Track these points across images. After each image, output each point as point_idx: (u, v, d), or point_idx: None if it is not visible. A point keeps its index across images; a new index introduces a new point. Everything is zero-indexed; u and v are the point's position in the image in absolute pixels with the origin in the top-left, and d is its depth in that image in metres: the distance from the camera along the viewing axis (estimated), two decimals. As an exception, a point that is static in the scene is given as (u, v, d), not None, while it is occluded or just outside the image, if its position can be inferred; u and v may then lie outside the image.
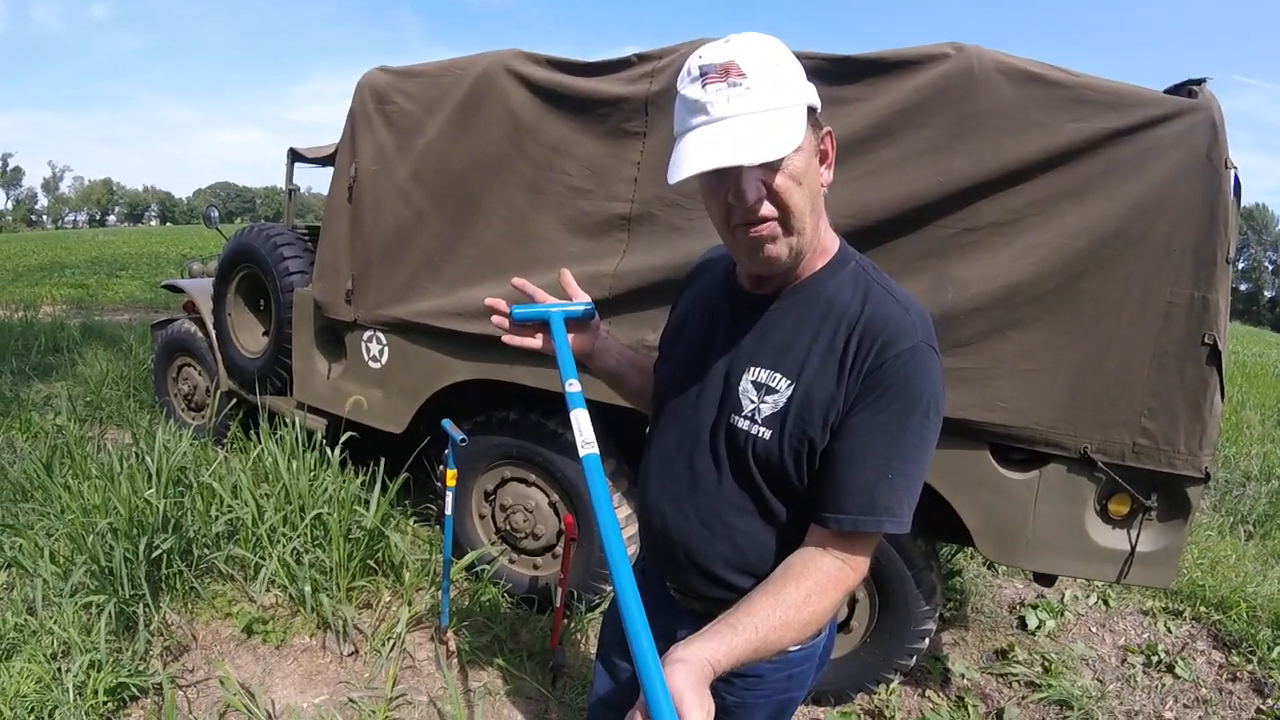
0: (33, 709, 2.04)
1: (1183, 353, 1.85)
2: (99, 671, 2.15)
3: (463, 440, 2.22)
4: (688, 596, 1.19)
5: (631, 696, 1.30)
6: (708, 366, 1.14)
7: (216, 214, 4.70)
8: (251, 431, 3.21)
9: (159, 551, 2.51)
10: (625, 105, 2.26)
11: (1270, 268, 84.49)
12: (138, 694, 2.22)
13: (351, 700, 2.31)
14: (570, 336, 1.27)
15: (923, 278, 1.96)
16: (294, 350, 3.25)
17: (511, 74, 2.43)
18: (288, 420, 3.10)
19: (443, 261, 2.64)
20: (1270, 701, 2.98)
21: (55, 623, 2.30)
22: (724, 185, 0.96)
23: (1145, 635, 3.44)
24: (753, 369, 1.07)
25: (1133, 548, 2.00)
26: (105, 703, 2.11)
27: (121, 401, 4.96)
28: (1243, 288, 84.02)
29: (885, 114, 1.96)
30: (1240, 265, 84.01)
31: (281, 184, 4.19)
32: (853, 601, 2.35)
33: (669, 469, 1.18)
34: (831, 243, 1.09)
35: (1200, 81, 1.93)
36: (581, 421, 1.06)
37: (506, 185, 2.47)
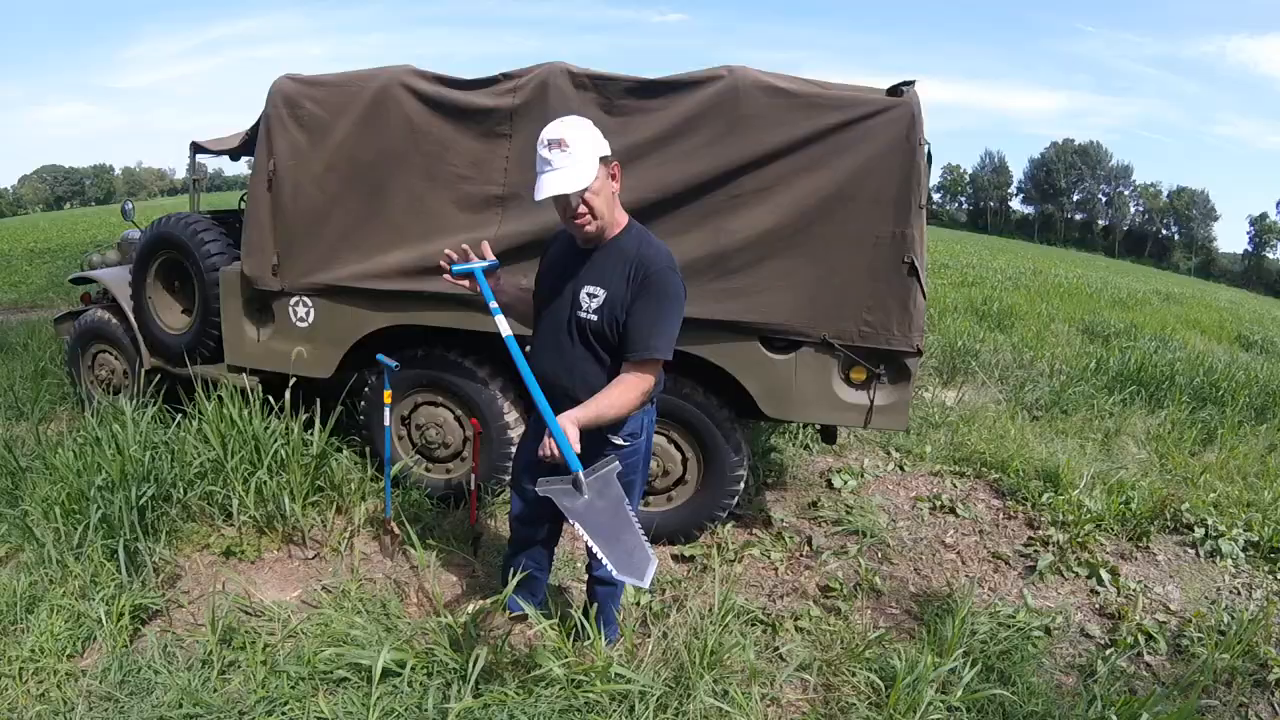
0: (69, 643, 2.46)
1: (889, 270, 2.80)
2: (123, 594, 2.59)
3: (397, 367, 2.91)
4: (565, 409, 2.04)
5: (537, 511, 2.30)
6: (563, 288, 2.11)
7: (131, 206, 5.00)
8: (177, 403, 3.57)
9: (144, 499, 2.97)
10: (496, 114, 3.02)
11: (1103, 199, 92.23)
12: (154, 612, 2.67)
13: (325, 588, 2.84)
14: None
15: (705, 228, 2.87)
16: (224, 321, 3.69)
17: (406, 88, 3.11)
18: (222, 384, 3.49)
19: (357, 235, 3.29)
20: (1040, 532, 3.74)
21: (79, 566, 2.73)
22: (562, 199, 1.92)
23: (933, 489, 4.25)
24: (587, 286, 2.05)
25: (871, 402, 2.97)
26: (130, 624, 2.55)
27: (45, 396, 4.94)
28: (1078, 217, 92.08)
29: (678, 119, 2.84)
30: (1075, 197, 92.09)
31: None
32: (685, 461, 3.28)
33: (548, 345, 2.15)
34: (623, 219, 2.08)
35: (911, 83, 2.80)
36: (501, 321, 2.07)
37: (407, 174, 3.16)
